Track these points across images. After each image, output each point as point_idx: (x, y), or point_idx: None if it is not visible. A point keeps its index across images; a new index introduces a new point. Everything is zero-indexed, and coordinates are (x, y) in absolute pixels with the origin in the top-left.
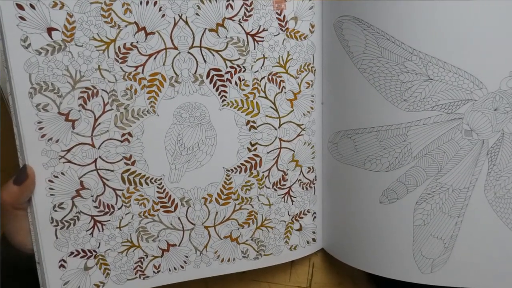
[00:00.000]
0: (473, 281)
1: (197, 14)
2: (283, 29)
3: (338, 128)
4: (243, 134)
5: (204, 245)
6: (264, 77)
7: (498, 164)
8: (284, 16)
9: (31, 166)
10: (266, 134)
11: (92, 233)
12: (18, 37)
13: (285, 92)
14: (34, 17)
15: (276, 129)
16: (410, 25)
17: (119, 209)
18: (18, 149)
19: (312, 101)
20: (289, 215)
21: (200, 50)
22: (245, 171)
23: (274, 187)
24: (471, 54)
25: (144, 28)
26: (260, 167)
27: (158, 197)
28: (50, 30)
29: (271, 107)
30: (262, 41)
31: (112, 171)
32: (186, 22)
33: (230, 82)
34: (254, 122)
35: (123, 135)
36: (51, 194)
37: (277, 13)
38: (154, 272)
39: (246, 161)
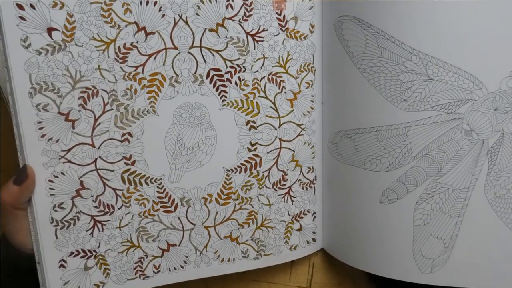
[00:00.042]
0: (473, 281)
1: (197, 14)
2: (283, 29)
3: (338, 128)
4: (243, 134)
5: (204, 245)
6: (264, 77)
7: (498, 164)
8: (284, 16)
9: (31, 166)
10: (266, 134)
11: (92, 233)
12: (18, 37)
13: (285, 92)
14: (34, 17)
15: (276, 129)
16: (410, 25)
17: (119, 209)
18: (18, 149)
19: (312, 101)
20: (289, 215)
21: (200, 50)
22: (245, 171)
23: (274, 187)
24: (471, 54)
25: (144, 28)
26: (260, 167)
27: (158, 197)
28: (50, 30)
29: (271, 107)
30: (262, 41)
31: (112, 171)
32: (186, 22)
33: (230, 82)
34: (254, 122)
35: (123, 135)
36: (51, 194)
37: (277, 13)
38: (154, 272)
39: (246, 161)
